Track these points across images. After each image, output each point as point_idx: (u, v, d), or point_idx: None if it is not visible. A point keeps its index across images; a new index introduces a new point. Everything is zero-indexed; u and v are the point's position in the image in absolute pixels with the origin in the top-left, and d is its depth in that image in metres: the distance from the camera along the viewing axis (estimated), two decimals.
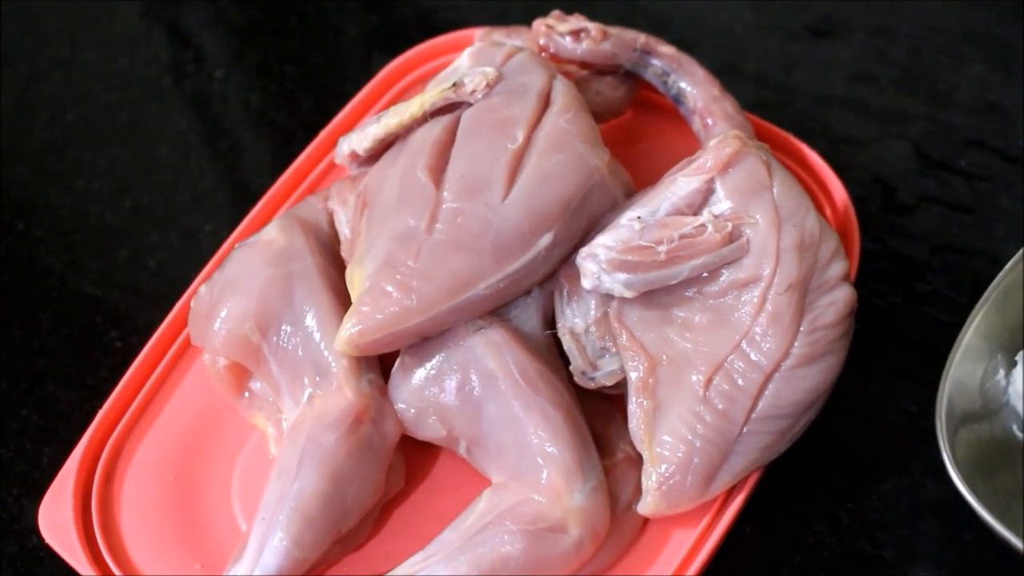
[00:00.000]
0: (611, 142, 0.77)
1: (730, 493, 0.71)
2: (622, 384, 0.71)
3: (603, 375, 0.72)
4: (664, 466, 0.69)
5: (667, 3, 0.96)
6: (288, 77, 0.96)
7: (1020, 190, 0.83)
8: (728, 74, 0.81)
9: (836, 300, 0.71)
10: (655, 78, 0.81)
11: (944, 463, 0.68)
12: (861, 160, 0.87)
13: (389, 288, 0.70)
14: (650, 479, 0.69)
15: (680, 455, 0.69)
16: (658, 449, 0.69)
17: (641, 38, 0.80)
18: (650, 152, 0.83)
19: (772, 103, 0.88)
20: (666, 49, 0.80)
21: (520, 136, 0.73)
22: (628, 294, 0.71)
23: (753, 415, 0.69)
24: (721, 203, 0.72)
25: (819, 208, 0.76)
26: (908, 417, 0.75)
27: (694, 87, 0.79)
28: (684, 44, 0.81)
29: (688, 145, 0.78)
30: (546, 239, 0.71)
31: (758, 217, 0.71)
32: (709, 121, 0.78)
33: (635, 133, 0.84)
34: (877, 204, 0.85)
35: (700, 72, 0.80)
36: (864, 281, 0.77)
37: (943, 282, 0.79)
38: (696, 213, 0.72)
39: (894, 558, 0.72)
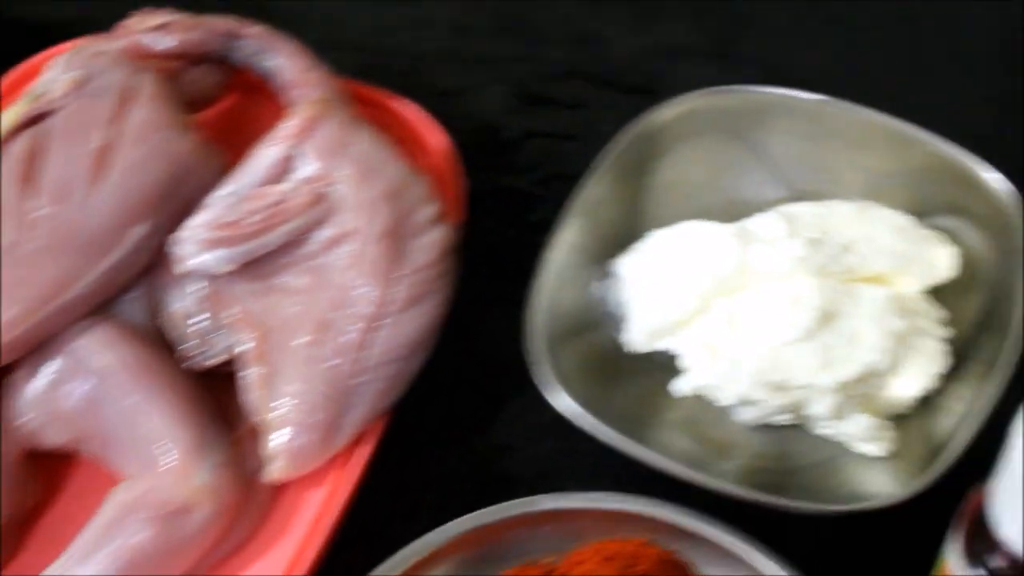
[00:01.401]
0: (217, 128, 0.78)
1: (358, 443, 0.72)
2: (238, 359, 0.72)
3: (216, 352, 0.72)
4: (285, 429, 0.70)
5: None
6: None
7: (614, 112, 0.86)
8: (329, 47, 0.82)
9: (431, 241, 0.73)
10: (246, 59, 0.81)
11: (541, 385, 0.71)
12: (465, 108, 0.89)
13: None
14: (274, 444, 0.70)
15: (299, 416, 0.70)
16: (277, 414, 0.70)
17: (227, 23, 0.81)
18: (259, 133, 0.84)
19: (375, 67, 0.89)
20: (253, 30, 0.81)
21: (104, 134, 0.73)
22: (228, 268, 0.72)
23: (365, 365, 0.71)
24: (308, 166, 0.74)
25: (415, 156, 0.78)
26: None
27: (283, 61, 0.81)
28: (282, 23, 0.82)
29: None
30: (139, 229, 0.72)
31: (343, 174, 0.73)
32: (299, 92, 0.80)
33: (244, 116, 0.85)
34: (484, 146, 0.87)
35: (288, 47, 0.81)
36: (477, 219, 0.80)
37: (552, 210, 0.81)
38: (283, 180, 0.74)
39: (525, 477, 0.74)
